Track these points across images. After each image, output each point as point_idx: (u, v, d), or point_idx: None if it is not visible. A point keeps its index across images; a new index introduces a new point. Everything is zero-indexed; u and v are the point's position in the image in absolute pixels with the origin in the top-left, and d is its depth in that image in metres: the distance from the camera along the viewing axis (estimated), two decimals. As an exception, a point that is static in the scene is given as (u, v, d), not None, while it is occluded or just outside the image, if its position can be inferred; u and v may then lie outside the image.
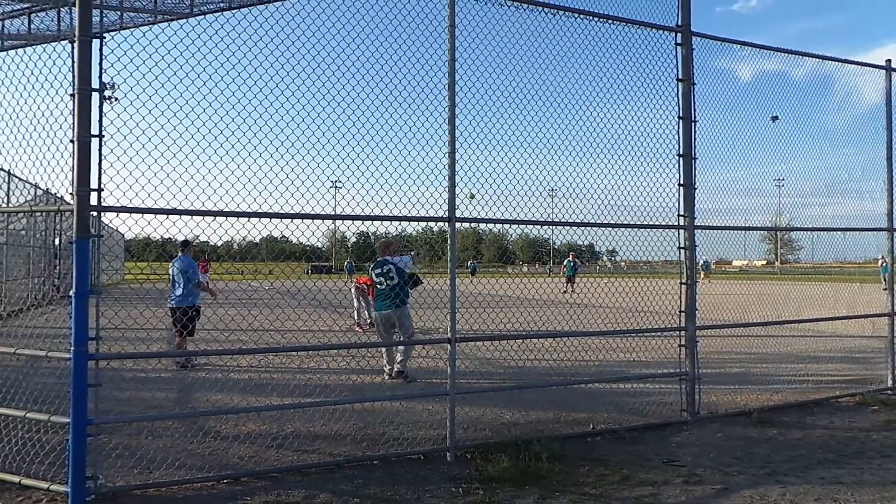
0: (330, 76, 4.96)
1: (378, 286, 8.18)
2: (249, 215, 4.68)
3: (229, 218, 4.63)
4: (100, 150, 4.10)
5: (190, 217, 4.54)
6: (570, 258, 25.09)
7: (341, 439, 5.44)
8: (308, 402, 5.53)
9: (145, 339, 9.13)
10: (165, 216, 4.47)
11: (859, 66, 7.76)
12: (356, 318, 13.19)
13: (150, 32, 4.54)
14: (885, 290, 7.73)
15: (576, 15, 5.80)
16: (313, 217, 4.91)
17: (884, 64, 7.73)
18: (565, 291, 21.94)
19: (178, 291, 8.67)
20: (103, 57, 4.12)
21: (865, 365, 8.52)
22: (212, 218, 4.58)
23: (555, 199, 5.92)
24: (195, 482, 4.44)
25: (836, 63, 7.60)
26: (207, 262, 27.89)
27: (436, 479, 4.60)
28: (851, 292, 8.44)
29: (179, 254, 8.91)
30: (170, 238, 7.58)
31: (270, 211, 4.74)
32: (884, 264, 7.98)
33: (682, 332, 6.30)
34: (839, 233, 7.67)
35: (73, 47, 4.11)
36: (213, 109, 4.62)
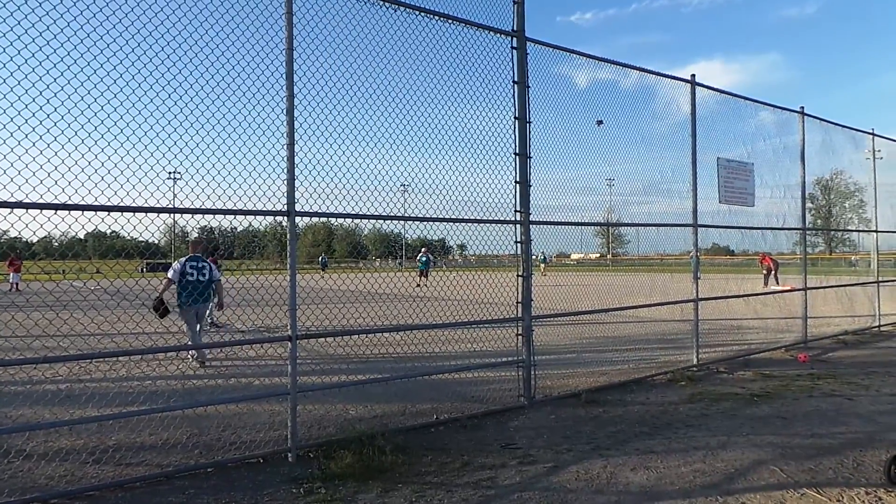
0: (165, 56, 4.53)
1: (189, 279, 8.64)
2: (72, 208, 4.15)
3: (46, 211, 4.08)
4: None
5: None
6: (424, 252, 25.49)
7: (171, 448, 5.06)
8: (132, 410, 5.05)
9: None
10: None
11: (671, 80, 8.66)
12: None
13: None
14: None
15: (417, 12, 5.86)
16: (138, 210, 4.45)
17: (689, 78, 8.73)
18: (418, 285, 22.27)
19: None
20: None
21: (676, 345, 9.59)
22: (24, 210, 4.02)
23: (406, 194, 5.96)
24: (-10, 511, 3.91)
25: (656, 76, 8.45)
26: (19, 260, 24.64)
27: (276, 482, 4.44)
28: (665, 281, 9.44)
29: None
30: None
31: (98, 203, 4.23)
32: (693, 256, 8.99)
33: (520, 322, 6.65)
34: (655, 228, 8.53)
35: None
36: (24, 88, 3.98)
